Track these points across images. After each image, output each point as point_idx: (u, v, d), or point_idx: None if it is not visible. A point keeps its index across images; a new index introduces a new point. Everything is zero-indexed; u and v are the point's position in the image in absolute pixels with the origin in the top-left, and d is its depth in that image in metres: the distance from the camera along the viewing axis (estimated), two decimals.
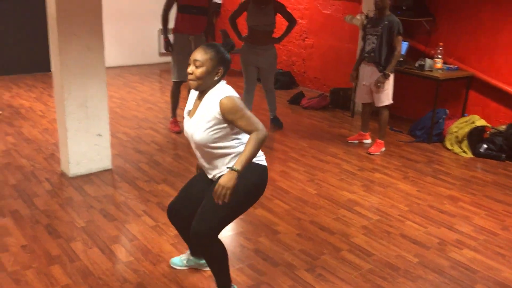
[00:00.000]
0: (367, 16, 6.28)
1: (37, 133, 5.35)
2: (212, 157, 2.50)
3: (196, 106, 2.51)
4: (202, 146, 2.47)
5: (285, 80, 7.94)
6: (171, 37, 5.46)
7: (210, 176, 2.61)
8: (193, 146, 2.56)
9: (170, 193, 4.03)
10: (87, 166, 4.32)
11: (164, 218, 3.63)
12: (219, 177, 2.49)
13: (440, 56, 5.51)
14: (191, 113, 2.54)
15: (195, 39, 5.42)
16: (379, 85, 4.93)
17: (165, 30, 5.44)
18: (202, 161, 2.57)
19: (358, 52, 6.54)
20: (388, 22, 4.92)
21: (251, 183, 2.50)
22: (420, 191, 4.31)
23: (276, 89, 7.49)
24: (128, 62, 9.17)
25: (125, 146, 5.06)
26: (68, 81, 4.03)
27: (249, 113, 2.41)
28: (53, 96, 6.97)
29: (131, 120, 5.94)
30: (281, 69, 8.16)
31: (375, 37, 5.01)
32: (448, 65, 5.68)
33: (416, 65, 5.70)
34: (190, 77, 2.41)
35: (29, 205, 3.74)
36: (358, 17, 6.43)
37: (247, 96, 5.78)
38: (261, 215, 3.75)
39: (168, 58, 9.63)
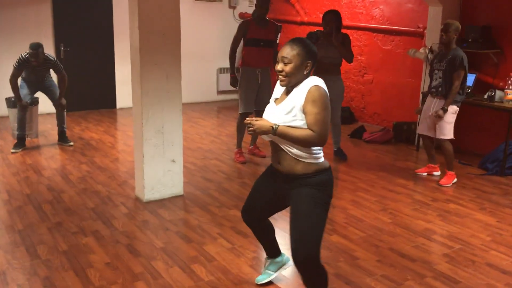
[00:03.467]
0: (431, 49, 6.29)
1: (109, 162, 5.55)
2: (285, 149, 2.48)
3: (283, 97, 2.52)
4: None
5: (344, 116, 7.93)
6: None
7: (278, 168, 2.58)
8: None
9: None
10: (160, 191, 4.41)
11: (240, 241, 3.64)
12: (291, 174, 2.50)
13: (511, 87, 5.39)
14: (278, 101, 2.56)
15: (262, 72, 5.57)
16: (436, 116, 4.84)
17: (232, 66, 5.61)
18: (275, 154, 2.57)
19: (422, 86, 6.51)
20: (452, 56, 4.87)
21: (328, 195, 2.53)
22: (500, 222, 4.13)
23: None
24: (189, 100, 9.40)
25: (193, 175, 5.15)
26: (146, 108, 4.20)
27: (326, 117, 2.39)
28: (120, 129, 7.28)
29: (196, 151, 6.07)
30: None
31: (441, 72, 4.97)
32: None
33: (485, 96, 5.59)
34: (280, 75, 2.45)
35: (108, 226, 3.84)
36: (421, 50, 6.43)
37: None
38: (337, 241, 3.68)
39: (226, 96, 9.92)
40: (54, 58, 5.85)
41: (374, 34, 7.63)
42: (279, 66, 2.45)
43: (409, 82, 7.15)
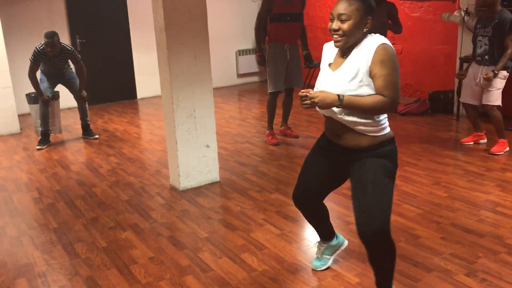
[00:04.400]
0: (467, 11, 5.91)
1: (138, 153, 5.33)
2: (347, 117, 2.19)
3: (340, 61, 2.24)
4: None
5: None
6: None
7: (338, 141, 2.31)
8: None
9: (287, 202, 3.79)
10: (196, 178, 4.18)
11: (289, 226, 3.39)
12: (355, 148, 2.25)
13: None
14: (333, 66, 2.27)
15: (291, 47, 5.26)
16: (485, 78, 4.47)
17: (259, 44, 5.33)
18: (333, 127, 2.29)
19: (458, 52, 6.14)
20: (499, 20, 4.48)
21: (395, 165, 2.30)
22: None
23: None
24: None
25: (226, 160, 4.91)
26: (176, 92, 3.94)
27: (397, 78, 2.12)
28: (144, 119, 7.07)
29: (225, 136, 5.81)
30: None
31: (487, 38, 4.58)
32: None
33: None
34: (336, 34, 2.17)
35: (146, 218, 3.63)
36: (456, 13, 6.05)
37: None
38: (393, 220, 3.34)
39: (247, 79, 9.63)
40: (72, 48, 5.61)
41: (401, 1, 7.23)
42: (335, 25, 2.16)
43: (442, 49, 6.77)
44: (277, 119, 5.75)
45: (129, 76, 8.35)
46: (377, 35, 2.19)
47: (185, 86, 3.96)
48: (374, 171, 2.20)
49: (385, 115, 2.25)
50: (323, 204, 2.65)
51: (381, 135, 2.23)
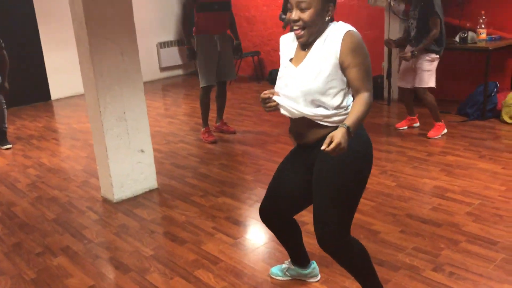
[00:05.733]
0: None
1: (60, 162, 4.80)
2: (313, 117, 1.98)
3: (302, 54, 2.01)
4: (308, 98, 1.95)
5: None
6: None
7: (303, 141, 2.09)
8: (290, 100, 2.01)
9: (235, 205, 3.54)
10: (132, 188, 3.79)
11: (241, 232, 3.14)
12: (315, 143, 2.01)
13: (483, 26, 5.14)
14: (294, 61, 2.04)
15: (221, 38, 4.97)
16: (401, 57, 4.60)
17: (188, 36, 5.00)
18: (298, 122, 2.05)
19: (385, 38, 6.17)
20: (424, 2, 4.52)
21: (363, 158, 2.02)
22: (506, 168, 3.89)
23: None
24: None
25: (161, 163, 4.54)
26: (103, 93, 3.52)
27: (370, 65, 1.94)
28: (62, 123, 6.47)
29: (156, 136, 5.41)
30: None
31: (416, 20, 4.61)
32: (489, 36, 5.31)
33: (457, 39, 5.32)
34: (296, 25, 1.94)
35: (79, 239, 3.21)
36: None
37: None
38: None
39: (170, 73, 9.20)
40: None
41: None
42: (295, 14, 1.92)
43: (368, 35, 6.77)
44: (211, 115, 5.45)
45: (41, 76, 7.62)
46: (340, 22, 1.98)
47: (112, 85, 3.55)
48: (332, 170, 1.97)
49: (350, 102, 2.02)
50: (295, 222, 2.38)
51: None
